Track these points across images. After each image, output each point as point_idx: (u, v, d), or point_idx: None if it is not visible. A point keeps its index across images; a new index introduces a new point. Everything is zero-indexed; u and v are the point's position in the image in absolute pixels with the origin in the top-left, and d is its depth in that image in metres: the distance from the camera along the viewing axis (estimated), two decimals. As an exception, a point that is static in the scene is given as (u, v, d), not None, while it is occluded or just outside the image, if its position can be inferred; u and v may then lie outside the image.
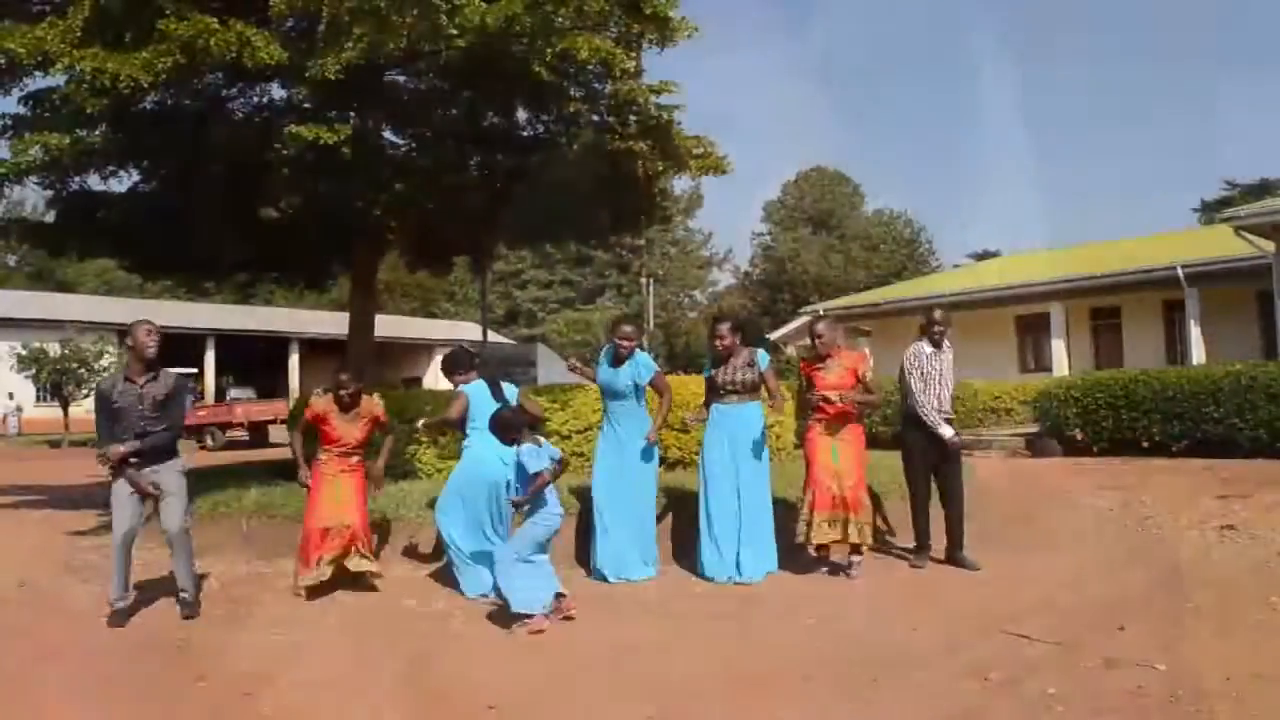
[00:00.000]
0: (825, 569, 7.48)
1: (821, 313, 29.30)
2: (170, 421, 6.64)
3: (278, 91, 12.70)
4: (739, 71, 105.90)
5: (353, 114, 12.12)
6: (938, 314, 8.03)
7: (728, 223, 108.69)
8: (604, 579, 7.37)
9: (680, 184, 55.36)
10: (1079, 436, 14.54)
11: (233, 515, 9.07)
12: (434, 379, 49.03)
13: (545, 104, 12.24)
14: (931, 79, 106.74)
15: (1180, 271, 21.44)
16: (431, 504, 8.41)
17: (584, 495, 7.97)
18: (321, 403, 7.41)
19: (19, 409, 37.25)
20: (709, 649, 5.59)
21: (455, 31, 9.36)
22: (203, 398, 39.58)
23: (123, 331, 36.94)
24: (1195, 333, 21.67)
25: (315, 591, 7.05)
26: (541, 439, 6.43)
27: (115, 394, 6.51)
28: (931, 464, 7.79)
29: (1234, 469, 11.43)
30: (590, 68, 10.84)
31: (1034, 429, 16.20)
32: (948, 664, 5.11)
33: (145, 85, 9.28)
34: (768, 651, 5.51)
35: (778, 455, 9.90)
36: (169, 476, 6.57)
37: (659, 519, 8.02)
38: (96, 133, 10.97)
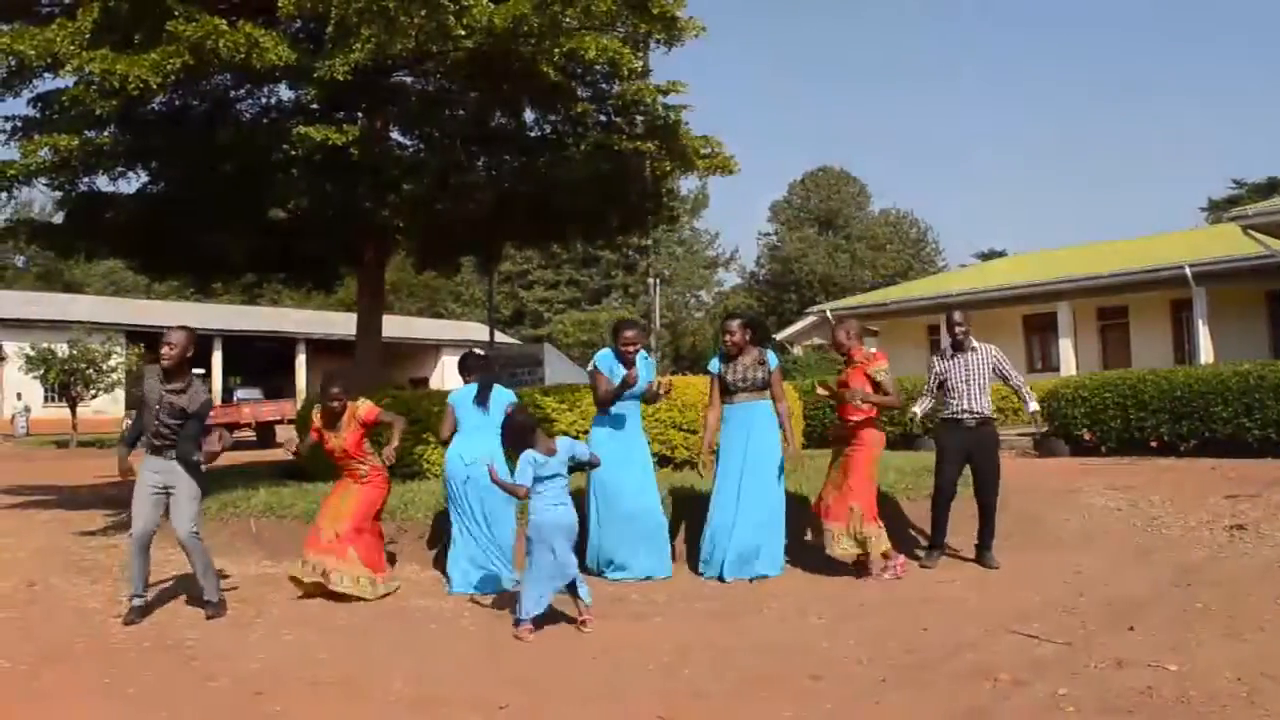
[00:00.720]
0: (834, 569, 7.47)
1: (830, 314, 29.31)
2: (187, 433, 6.60)
3: (286, 92, 12.77)
4: (743, 71, 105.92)
5: (360, 115, 12.17)
6: (956, 315, 7.97)
7: (734, 223, 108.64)
8: (606, 578, 7.39)
9: (686, 184, 55.52)
10: (1086, 436, 14.49)
11: (241, 515, 9.12)
12: (440, 379, 49.13)
13: (553, 104, 12.26)
14: (935, 78, 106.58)
15: (1188, 271, 21.39)
16: (436, 504, 8.46)
17: (582, 497, 7.96)
18: (314, 418, 7.44)
19: (27, 409, 37.34)
20: (717, 648, 5.58)
21: (463, 32, 9.37)
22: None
23: (130, 332, 37.24)
24: (1203, 332, 21.61)
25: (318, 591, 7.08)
26: (554, 445, 6.28)
27: (147, 387, 6.67)
28: (965, 462, 7.77)
29: (1242, 469, 11.39)
30: (598, 68, 10.88)
31: (1041, 429, 16.17)
32: (957, 664, 5.11)
33: (154, 86, 9.31)
34: (776, 651, 5.50)
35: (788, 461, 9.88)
36: (179, 479, 6.58)
37: (669, 519, 8.03)
38: (105, 134, 11.03)
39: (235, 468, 12.81)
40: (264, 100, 13.11)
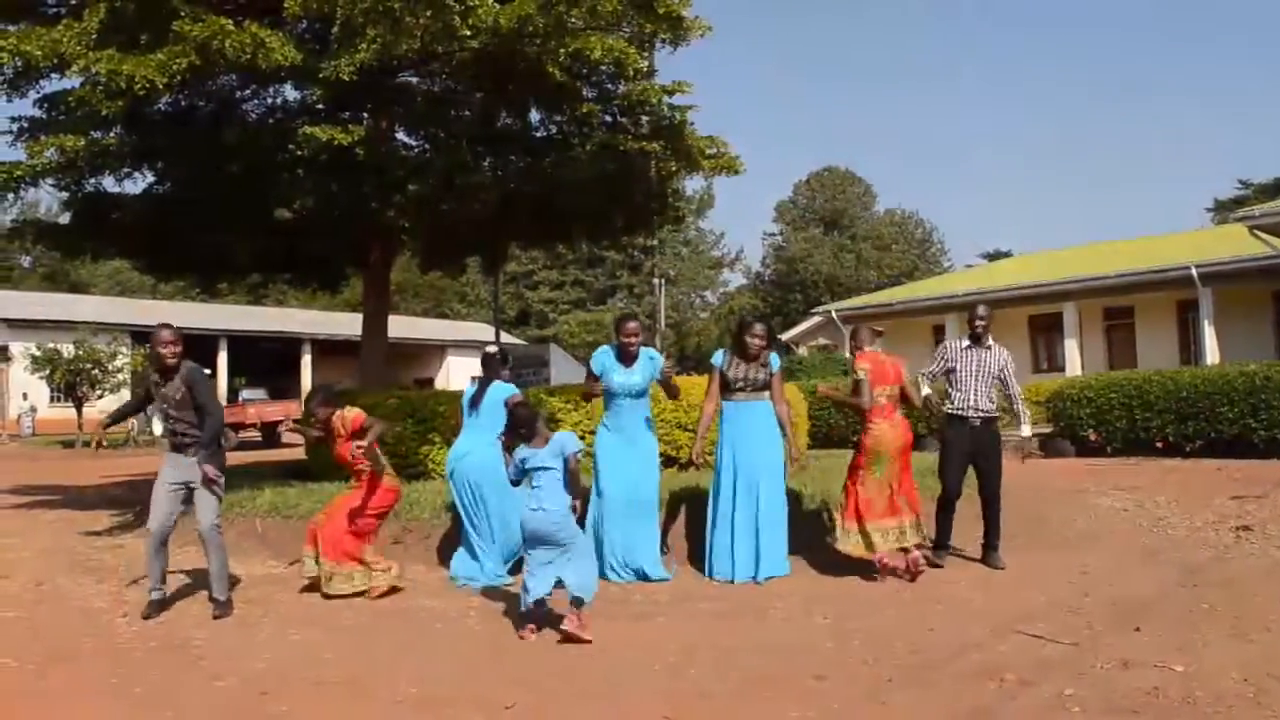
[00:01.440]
0: (839, 569, 7.47)
1: (835, 314, 29.29)
2: (202, 418, 6.67)
3: (291, 93, 12.80)
4: (749, 71, 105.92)
5: (366, 115, 12.18)
6: (980, 309, 7.96)
7: (739, 223, 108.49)
8: (607, 579, 7.38)
9: (691, 184, 55.55)
10: (1092, 437, 14.49)
11: (247, 516, 9.13)
12: (446, 379, 49.16)
13: (558, 104, 12.26)
14: (940, 78, 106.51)
15: (1194, 271, 21.37)
16: (442, 504, 8.47)
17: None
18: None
19: (33, 409, 37.39)
20: (722, 648, 5.58)
21: (469, 32, 9.38)
22: (215, 398, 39.53)
23: (135, 333, 37.27)
24: (1209, 332, 21.59)
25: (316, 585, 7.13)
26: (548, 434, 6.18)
27: (150, 382, 6.85)
28: (969, 462, 7.76)
29: (1248, 469, 11.39)
30: (603, 68, 10.88)
31: (1047, 429, 16.17)
32: (962, 664, 5.10)
33: (160, 87, 9.33)
34: (781, 651, 5.50)
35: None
36: (199, 475, 6.65)
37: (672, 520, 8.03)
38: (111, 134, 11.05)
39: (240, 468, 12.81)
40: (270, 100, 13.15)
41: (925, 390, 7.90)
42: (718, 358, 7.63)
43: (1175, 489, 10.10)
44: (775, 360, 7.60)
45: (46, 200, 51.10)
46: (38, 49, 9.43)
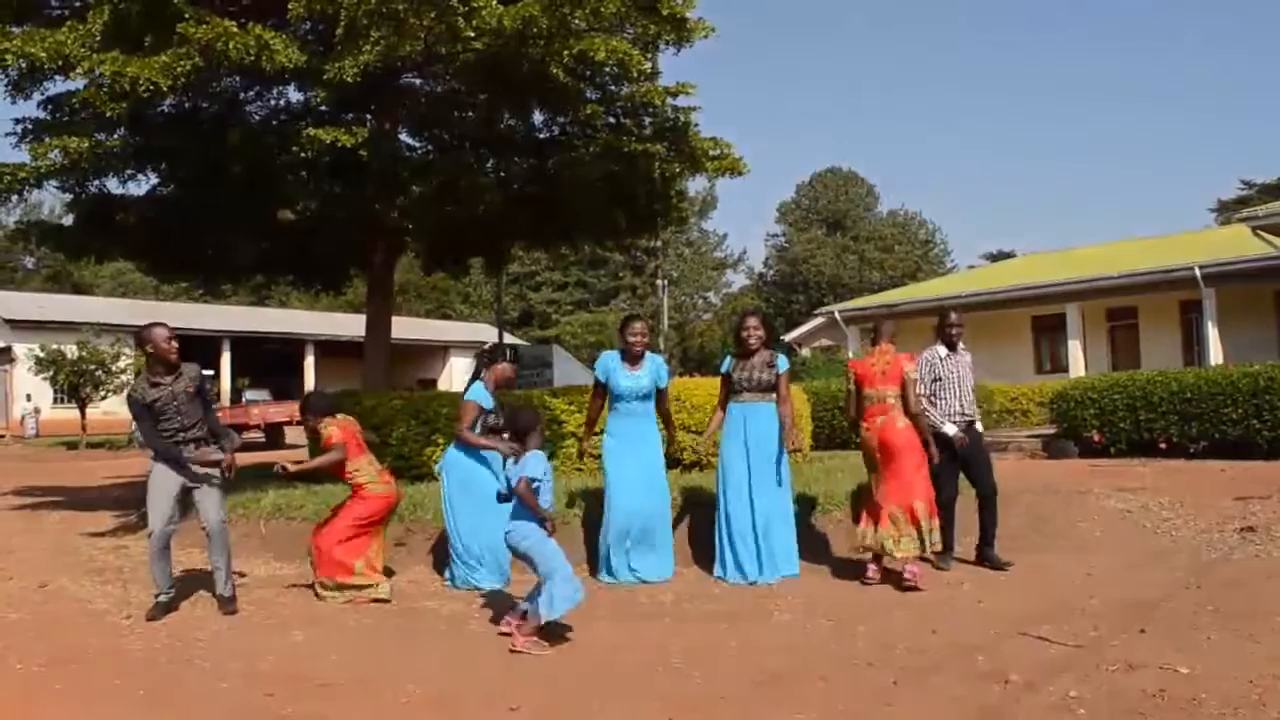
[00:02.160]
0: (843, 571, 7.47)
1: (838, 315, 29.27)
2: (207, 413, 6.83)
3: (295, 94, 12.81)
4: (753, 71, 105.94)
5: (370, 116, 12.20)
6: (953, 315, 8.02)
7: (742, 224, 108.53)
8: (613, 580, 7.40)
9: (694, 185, 55.55)
10: (1096, 438, 14.46)
11: (251, 517, 9.13)
12: (449, 380, 49.18)
13: (561, 106, 12.25)
14: (944, 78, 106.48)
15: (1197, 272, 21.33)
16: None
17: (587, 498, 7.94)
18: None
19: (37, 411, 37.44)
20: (727, 651, 5.58)
21: (472, 34, 9.38)
22: (218, 399, 39.68)
23: (139, 334, 37.28)
24: (1213, 333, 21.56)
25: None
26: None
27: (149, 396, 6.65)
28: (959, 466, 7.75)
29: (1253, 470, 11.37)
30: (607, 69, 10.87)
31: (1050, 430, 16.15)
32: (967, 666, 5.10)
33: (164, 88, 9.34)
34: (786, 653, 5.50)
35: (793, 458, 9.90)
36: (209, 470, 6.70)
37: (677, 521, 8.03)
38: (115, 136, 11.06)
39: (244, 469, 12.79)
40: (273, 102, 13.16)
41: (950, 428, 7.86)
42: (726, 364, 7.67)
43: (1179, 490, 10.07)
44: (783, 362, 7.61)
45: (50, 202, 51.24)
46: (42, 51, 9.44)
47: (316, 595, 7.09)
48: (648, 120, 12.39)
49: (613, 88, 12.19)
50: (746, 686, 4.92)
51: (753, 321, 7.65)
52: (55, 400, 38.24)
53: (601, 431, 7.75)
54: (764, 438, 7.40)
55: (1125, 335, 25.30)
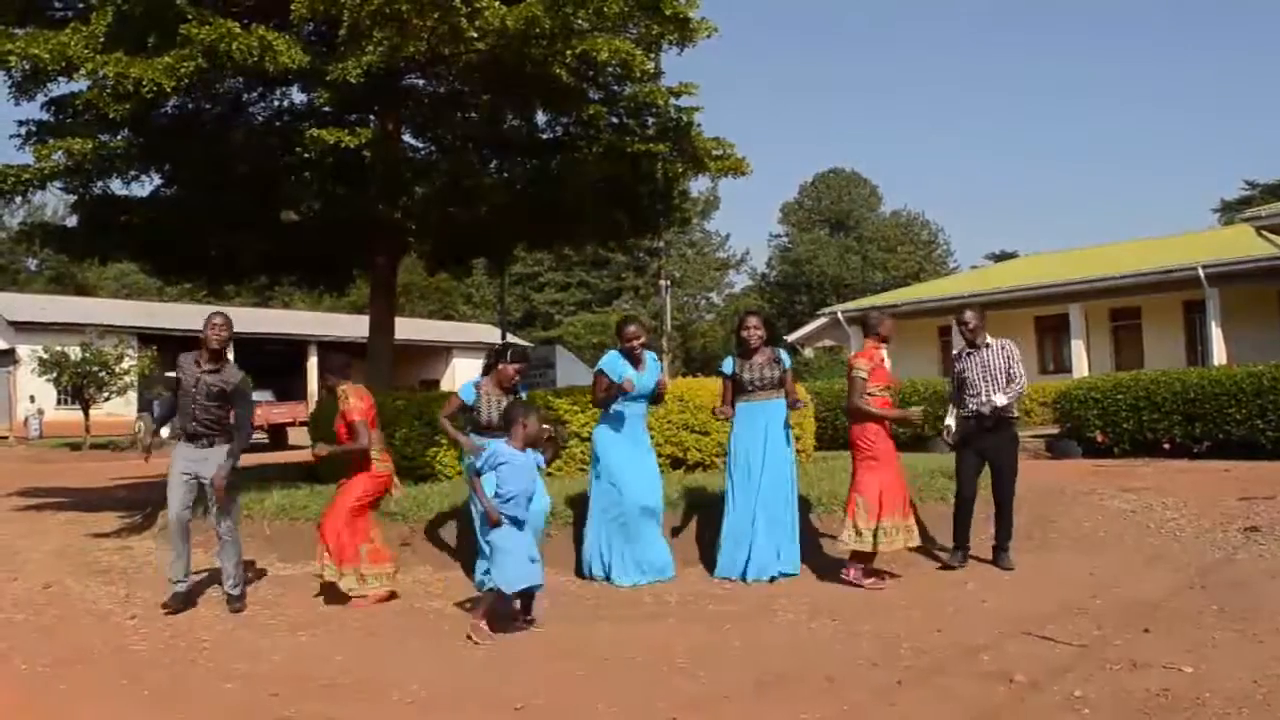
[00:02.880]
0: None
1: (841, 315, 29.22)
2: (229, 416, 6.91)
3: (298, 95, 12.81)
4: (756, 71, 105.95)
5: (373, 117, 12.20)
6: (966, 314, 8.01)
7: (745, 224, 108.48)
8: (613, 582, 7.39)
9: (697, 185, 55.53)
10: (1099, 438, 14.45)
11: (255, 518, 9.12)
12: (451, 381, 49.16)
13: (564, 106, 12.25)
14: (946, 78, 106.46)
15: (1201, 272, 21.29)
16: (450, 506, 8.47)
17: (584, 500, 7.94)
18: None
19: (40, 412, 37.45)
20: (732, 650, 5.59)
21: (475, 34, 9.38)
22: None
23: (142, 335, 37.34)
24: (1216, 333, 21.52)
25: (331, 594, 7.11)
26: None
27: (182, 371, 6.84)
28: (982, 462, 7.76)
29: (1256, 470, 11.35)
30: (610, 69, 10.87)
31: (1054, 430, 16.14)
32: (972, 666, 5.10)
33: (167, 90, 9.33)
34: (790, 652, 5.50)
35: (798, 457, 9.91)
36: (212, 468, 6.72)
37: (683, 521, 8.03)
38: (119, 137, 11.07)
39: (248, 470, 12.82)
40: (277, 103, 13.16)
41: (948, 420, 8.09)
42: (727, 365, 7.67)
43: (1183, 490, 10.05)
44: (786, 358, 7.64)
45: (53, 203, 51.22)
46: (45, 52, 9.44)
47: (332, 587, 7.05)
48: (650, 120, 12.38)
49: (615, 88, 12.19)
50: (751, 686, 4.92)
51: (753, 320, 7.66)
52: (59, 402, 38.25)
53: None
54: (776, 435, 7.43)
55: (1128, 335, 25.26)
